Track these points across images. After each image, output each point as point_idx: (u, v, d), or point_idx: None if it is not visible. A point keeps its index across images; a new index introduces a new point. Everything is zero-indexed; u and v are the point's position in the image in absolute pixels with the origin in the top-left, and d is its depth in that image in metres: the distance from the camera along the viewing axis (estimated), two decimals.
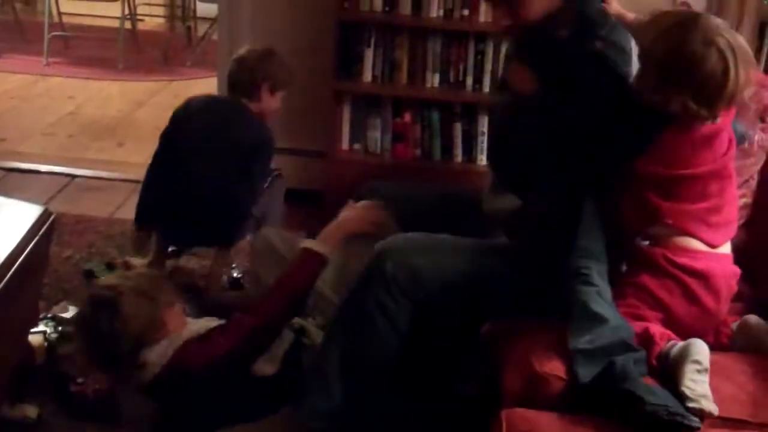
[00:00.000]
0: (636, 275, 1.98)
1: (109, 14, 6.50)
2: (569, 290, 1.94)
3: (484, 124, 3.72)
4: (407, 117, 3.73)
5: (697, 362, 1.78)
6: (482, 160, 3.75)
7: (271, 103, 3.17)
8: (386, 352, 2.11)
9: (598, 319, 1.86)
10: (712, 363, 1.84)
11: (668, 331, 1.91)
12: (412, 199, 2.55)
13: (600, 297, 1.91)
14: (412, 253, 2.10)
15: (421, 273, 2.08)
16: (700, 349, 1.81)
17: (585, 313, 1.88)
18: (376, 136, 3.76)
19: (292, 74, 3.24)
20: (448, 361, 2.31)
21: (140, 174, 4.15)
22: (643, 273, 1.97)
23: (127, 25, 6.40)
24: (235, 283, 3.15)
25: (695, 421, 1.71)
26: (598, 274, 1.95)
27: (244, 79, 3.12)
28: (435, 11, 3.63)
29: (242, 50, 3.22)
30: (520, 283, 2.12)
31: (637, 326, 1.90)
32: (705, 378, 1.77)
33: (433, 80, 3.70)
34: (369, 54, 3.68)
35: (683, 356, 1.79)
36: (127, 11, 6.37)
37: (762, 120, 2.37)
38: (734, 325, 2.01)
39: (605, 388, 1.78)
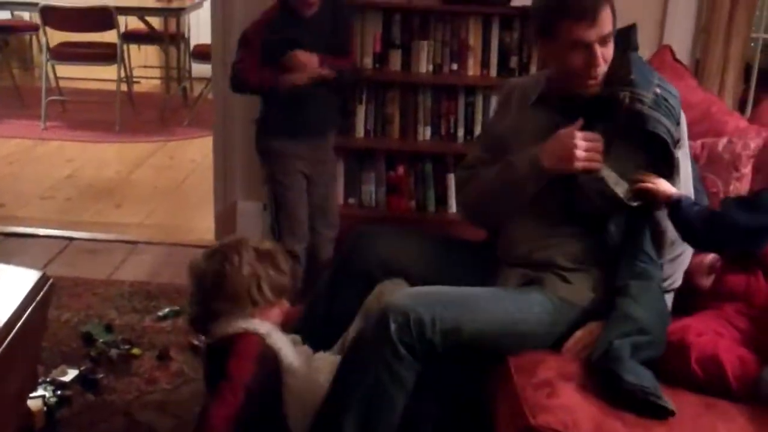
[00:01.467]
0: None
1: (106, 77, 6.57)
2: (612, 305, 2.14)
3: None
4: (401, 170, 3.77)
5: None
6: None
7: None
8: (398, 413, 2.10)
9: (629, 318, 2.06)
10: (710, 405, 1.91)
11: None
12: (410, 253, 2.54)
13: (635, 303, 2.10)
14: (416, 310, 2.08)
15: (426, 329, 2.06)
16: None
17: (618, 315, 2.09)
18: (370, 189, 3.79)
19: None
20: (449, 409, 2.32)
21: (137, 235, 4.23)
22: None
23: (123, 87, 6.47)
24: None
25: (669, 403, 1.83)
26: (637, 288, 2.14)
27: None
28: (424, 66, 3.69)
29: None
30: (538, 327, 2.18)
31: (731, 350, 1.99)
32: None
33: (425, 133, 3.75)
34: (361, 110, 3.73)
35: None
36: (123, 74, 6.44)
37: (735, 169, 2.43)
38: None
39: (597, 364, 1.96)
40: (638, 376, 1.89)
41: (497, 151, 2.51)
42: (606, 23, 2.26)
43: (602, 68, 2.29)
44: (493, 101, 3.68)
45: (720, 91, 3.71)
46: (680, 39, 3.69)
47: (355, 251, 2.54)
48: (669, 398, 1.88)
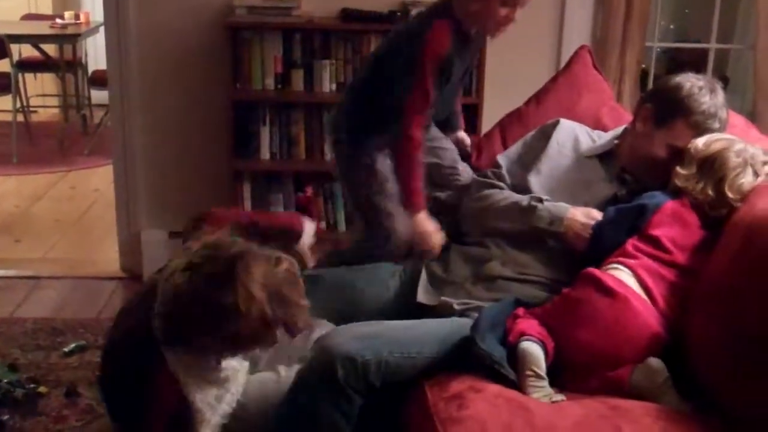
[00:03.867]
0: None
1: (0, 108, 6.38)
2: None
3: None
4: (309, 190, 3.75)
5: (531, 372, 2.02)
6: None
7: None
8: None
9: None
10: (615, 407, 1.93)
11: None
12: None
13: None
14: (363, 355, 2.06)
15: (371, 374, 2.07)
16: (532, 358, 2.04)
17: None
18: (279, 211, 3.76)
19: None
20: None
21: (40, 270, 4.10)
22: None
23: (20, 117, 6.30)
24: None
25: (511, 373, 2.03)
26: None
27: None
28: (327, 85, 3.69)
29: None
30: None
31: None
32: (542, 383, 2.02)
33: (331, 153, 3.73)
34: (265, 132, 3.70)
35: (520, 365, 2.04)
36: (18, 104, 6.27)
37: None
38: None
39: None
40: (488, 343, 2.05)
41: (521, 170, 2.59)
42: None
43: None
44: None
45: (618, 99, 3.80)
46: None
47: None
48: (562, 394, 2.00)
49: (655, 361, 2.04)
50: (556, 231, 2.37)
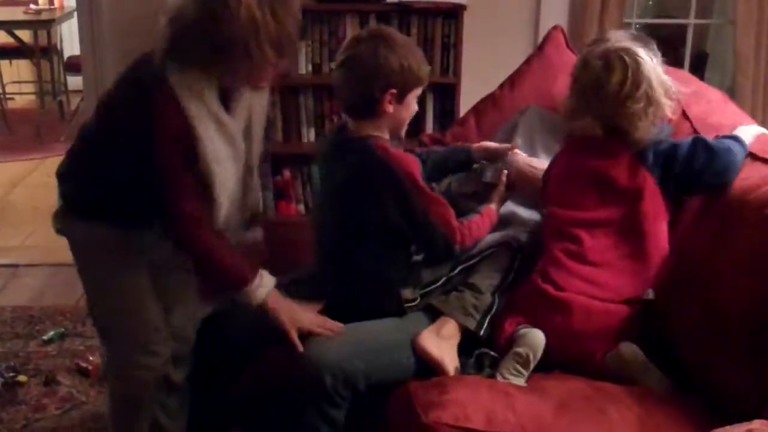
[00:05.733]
0: None
1: None
2: None
3: None
4: (287, 174, 3.72)
5: (518, 354, 2.02)
6: None
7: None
8: None
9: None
10: (598, 389, 1.94)
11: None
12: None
13: None
14: (354, 363, 2.07)
15: (359, 383, 2.08)
16: (534, 341, 2.04)
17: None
18: (256, 195, 3.72)
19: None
20: None
21: (18, 258, 4.07)
22: None
23: None
24: None
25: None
26: None
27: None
28: (303, 67, 3.65)
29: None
30: None
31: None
32: (524, 370, 2.02)
33: (309, 135, 3.72)
34: None
35: (517, 344, 2.05)
36: None
37: None
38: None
39: None
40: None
41: None
42: None
43: None
44: None
45: None
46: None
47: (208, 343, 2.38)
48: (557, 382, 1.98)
49: (627, 350, 2.02)
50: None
